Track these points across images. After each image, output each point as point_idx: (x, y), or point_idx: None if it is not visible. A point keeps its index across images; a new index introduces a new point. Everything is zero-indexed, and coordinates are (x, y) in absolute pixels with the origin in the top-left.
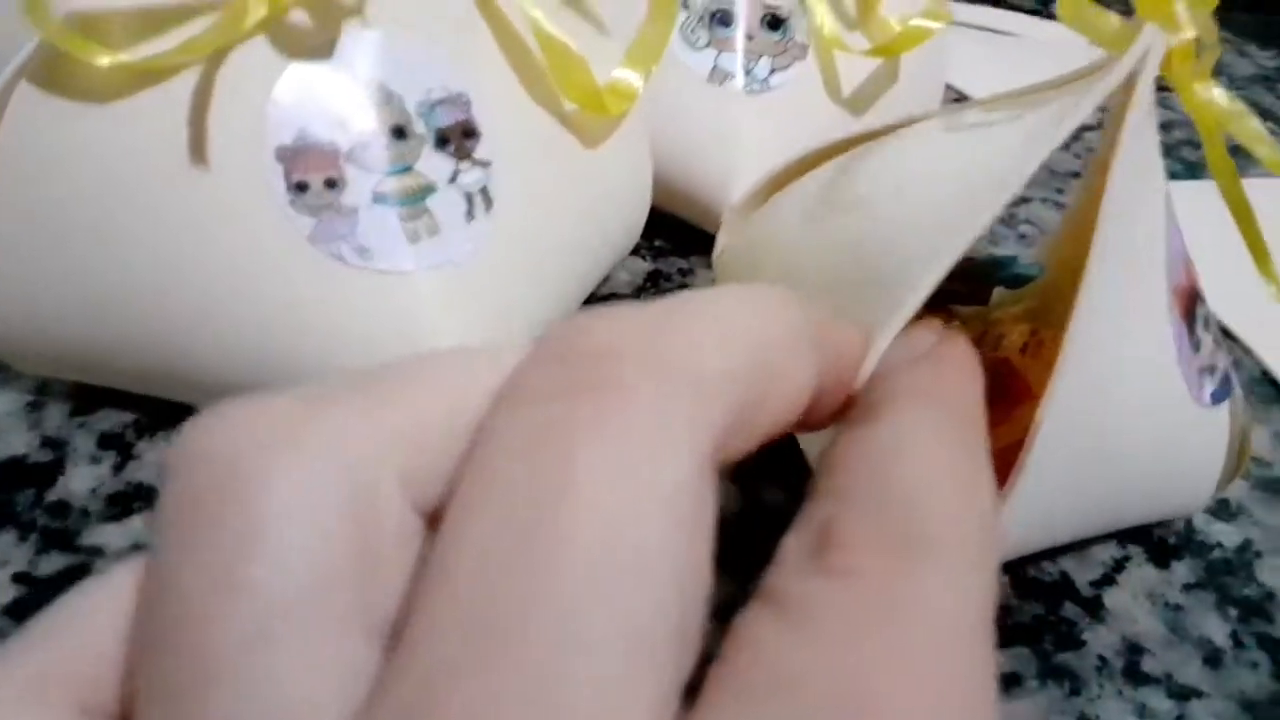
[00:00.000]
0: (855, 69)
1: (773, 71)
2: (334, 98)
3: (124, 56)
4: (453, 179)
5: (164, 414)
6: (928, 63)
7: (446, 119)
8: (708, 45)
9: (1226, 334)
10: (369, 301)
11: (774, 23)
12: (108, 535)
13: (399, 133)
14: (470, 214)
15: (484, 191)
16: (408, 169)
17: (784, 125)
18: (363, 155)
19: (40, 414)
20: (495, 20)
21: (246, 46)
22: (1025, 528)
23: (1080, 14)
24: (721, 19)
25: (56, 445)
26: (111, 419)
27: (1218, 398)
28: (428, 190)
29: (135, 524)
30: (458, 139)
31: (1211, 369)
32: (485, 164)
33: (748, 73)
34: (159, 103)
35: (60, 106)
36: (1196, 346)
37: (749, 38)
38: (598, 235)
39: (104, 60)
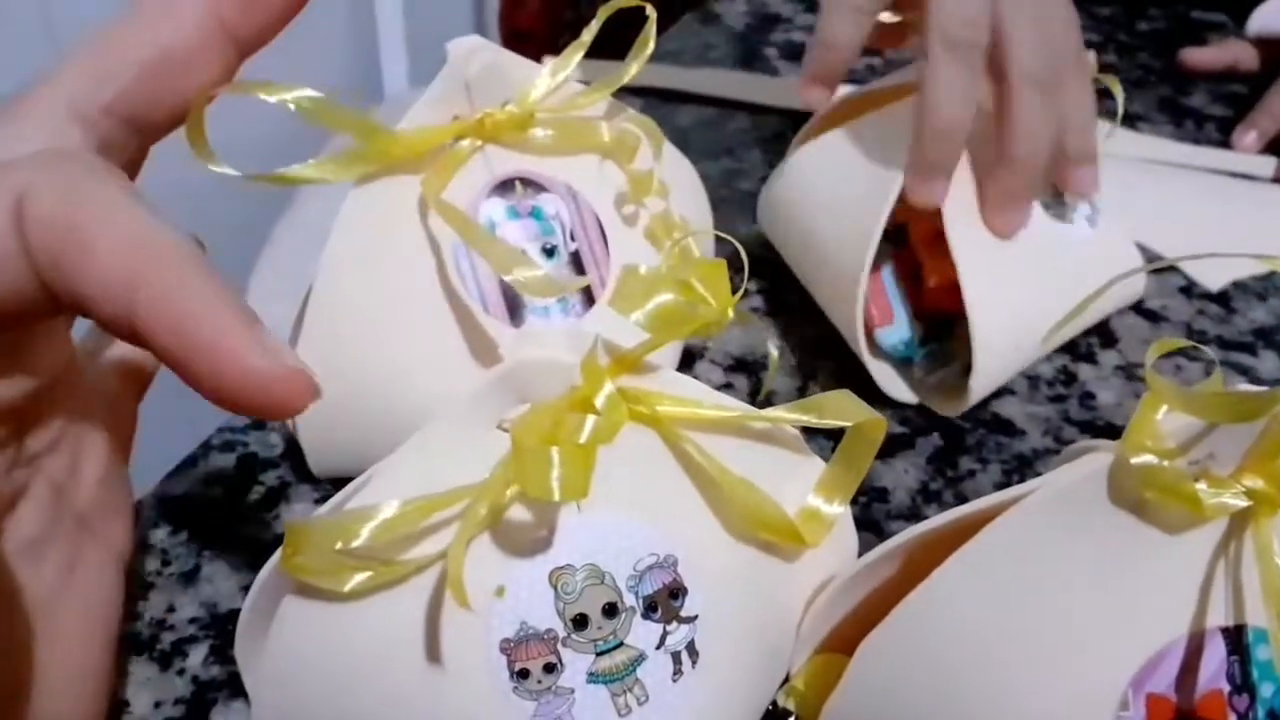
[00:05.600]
0: None
1: None
2: (549, 587)
3: (361, 578)
4: (660, 644)
5: None
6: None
7: (655, 584)
8: None
9: None
10: None
11: None
12: None
13: (610, 610)
14: (678, 672)
15: (690, 646)
16: (619, 645)
17: None
18: (578, 640)
19: None
20: (695, 472)
21: (471, 546)
22: None
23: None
24: None
25: None
26: None
27: None
28: (638, 661)
29: None
30: (665, 602)
31: None
32: (691, 619)
33: None
34: (395, 602)
35: (313, 605)
36: None
37: None
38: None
39: (346, 586)
